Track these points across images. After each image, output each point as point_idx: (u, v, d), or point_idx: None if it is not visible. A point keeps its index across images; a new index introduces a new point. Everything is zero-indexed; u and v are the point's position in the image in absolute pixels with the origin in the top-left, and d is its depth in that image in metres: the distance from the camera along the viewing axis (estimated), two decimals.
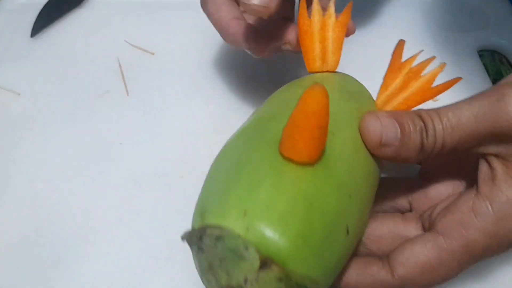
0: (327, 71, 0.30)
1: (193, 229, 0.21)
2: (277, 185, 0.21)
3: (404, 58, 0.29)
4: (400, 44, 0.30)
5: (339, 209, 0.22)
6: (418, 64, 0.29)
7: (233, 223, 0.20)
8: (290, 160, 0.22)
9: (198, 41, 0.43)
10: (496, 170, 0.24)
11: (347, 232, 0.22)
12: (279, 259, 0.20)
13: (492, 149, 0.24)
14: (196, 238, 0.21)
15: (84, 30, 0.45)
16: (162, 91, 0.40)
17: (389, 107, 0.28)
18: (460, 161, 0.27)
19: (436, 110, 0.25)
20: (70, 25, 0.46)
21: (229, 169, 0.22)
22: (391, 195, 0.29)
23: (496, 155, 0.25)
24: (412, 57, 0.29)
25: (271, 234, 0.20)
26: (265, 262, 0.19)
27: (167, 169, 0.35)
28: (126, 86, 0.41)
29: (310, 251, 0.20)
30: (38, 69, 0.43)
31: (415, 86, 0.28)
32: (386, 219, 0.27)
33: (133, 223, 0.33)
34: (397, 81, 0.29)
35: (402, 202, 0.29)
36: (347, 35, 0.31)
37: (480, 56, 0.43)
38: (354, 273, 0.25)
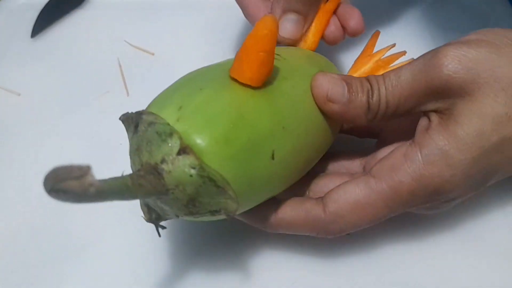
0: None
1: (131, 113, 0.23)
2: (215, 93, 0.23)
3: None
4: (376, 34, 0.33)
5: (268, 133, 0.24)
6: (388, 56, 0.31)
7: (167, 114, 0.22)
8: (235, 80, 0.24)
9: (198, 41, 0.43)
10: (432, 122, 0.26)
11: (272, 157, 0.24)
12: (197, 149, 0.22)
13: (431, 106, 0.26)
14: (133, 122, 0.23)
15: (84, 31, 0.45)
16: (162, 91, 0.40)
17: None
18: (412, 131, 0.28)
19: (383, 74, 0.27)
20: (70, 26, 0.46)
21: (182, 81, 0.25)
22: (346, 161, 0.31)
23: (435, 111, 0.26)
24: (384, 48, 0.32)
25: (196, 128, 0.22)
26: (184, 150, 0.21)
27: None
28: (126, 86, 0.41)
29: (228, 153, 0.22)
30: (38, 70, 0.43)
31: (380, 73, 0.29)
32: (335, 176, 0.29)
33: (134, 223, 0.33)
34: (366, 67, 0.32)
35: (356, 167, 0.30)
36: (355, 34, 0.33)
37: None
38: (289, 209, 0.27)
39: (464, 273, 0.30)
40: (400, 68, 0.26)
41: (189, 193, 0.22)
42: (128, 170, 0.35)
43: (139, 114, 0.23)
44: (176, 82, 0.26)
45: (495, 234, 0.31)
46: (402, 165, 0.25)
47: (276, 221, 0.27)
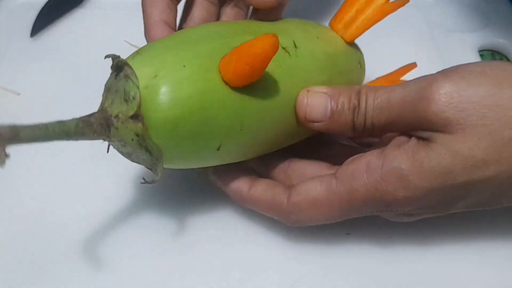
0: (342, 37, 0.32)
1: (119, 59, 0.25)
2: (193, 76, 0.24)
3: None
4: (411, 66, 0.32)
5: (222, 130, 0.25)
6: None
7: (142, 76, 0.24)
8: (219, 72, 0.25)
9: None
10: (407, 142, 0.26)
11: (218, 149, 0.25)
12: (148, 121, 0.24)
13: (413, 132, 0.26)
14: (117, 65, 0.25)
15: (84, 30, 0.45)
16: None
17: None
18: None
19: (375, 88, 0.27)
20: (70, 25, 0.46)
21: (177, 40, 0.26)
22: (336, 152, 0.31)
23: (415, 135, 0.26)
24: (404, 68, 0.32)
25: (156, 103, 0.24)
26: (137, 116, 0.23)
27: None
28: None
29: (172, 135, 0.24)
30: (38, 69, 0.43)
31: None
32: (315, 163, 0.29)
33: (134, 223, 0.33)
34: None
35: (341, 161, 0.30)
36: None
37: (481, 56, 0.43)
38: (260, 188, 0.28)
39: (464, 272, 0.30)
40: (392, 89, 0.26)
41: (127, 149, 0.25)
42: (126, 175, 0.34)
43: (123, 63, 0.25)
44: (178, 36, 0.27)
45: (499, 238, 0.31)
46: (362, 174, 0.26)
47: (247, 195, 0.28)
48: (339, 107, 0.27)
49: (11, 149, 0.22)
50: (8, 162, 0.33)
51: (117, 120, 0.24)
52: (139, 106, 0.23)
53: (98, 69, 0.42)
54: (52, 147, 0.37)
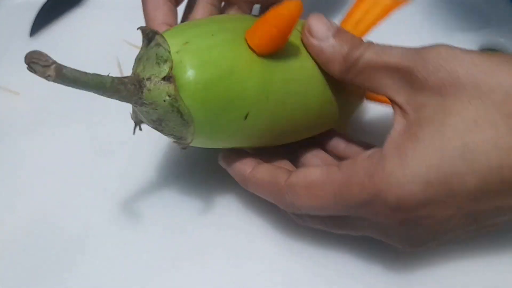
0: None
1: (151, 30, 0.26)
2: (221, 44, 0.26)
3: None
4: None
5: (249, 96, 0.26)
6: None
7: (173, 43, 0.25)
8: (247, 42, 0.26)
9: None
10: (396, 123, 0.25)
11: (245, 118, 0.26)
12: (179, 83, 0.24)
13: (402, 96, 0.25)
14: (148, 36, 0.26)
15: (83, 30, 0.45)
16: None
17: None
18: None
19: (378, 44, 0.27)
20: (69, 25, 0.46)
21: (204, 20, 0.28)
22: (346, 147, 0.32)
23: (400, 106, 0.25)
24: None
25: (188, 65, 0.25)
26: (169, 78, 0.24)
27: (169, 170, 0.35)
28: None
29: (203, 97, 0.25)
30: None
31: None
32: (324, 167, 0.27)
33: (135, 222, 0.33)
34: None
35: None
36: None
37: None
38: (261, 169, 0.28)
39: (463, 271, 0.30)
40: (393, 46, 0.26)
41: (159, 113, 0.25)
42: (126, 175, 0.35)
43: (155, 33, 0.26)
44: (203, 19, 0.29)
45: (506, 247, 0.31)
46: (363, 162, 0.25)
47: (248, 175, 0.29)
48: (342, 38, 0.27)
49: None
50: (10, 163, 0.33)
51: (149, 82, 0.25)
52: (171, 68, 0.24)
53: (98, 69, 0.42)
54: (52, 147, 0.37)
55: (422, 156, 0.23)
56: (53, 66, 0.22)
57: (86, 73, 0.23)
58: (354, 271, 0.30)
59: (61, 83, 0.23)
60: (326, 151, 0.32)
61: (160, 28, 0.30)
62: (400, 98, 0.25)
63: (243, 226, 0.32)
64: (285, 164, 0.31)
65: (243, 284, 0.30)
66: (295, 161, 0.31)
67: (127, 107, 0.40)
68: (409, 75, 0.25)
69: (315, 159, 0.31)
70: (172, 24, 0.31)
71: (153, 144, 0.37)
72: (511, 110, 0.23)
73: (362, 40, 0.27)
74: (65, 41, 0.44)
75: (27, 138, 0.38)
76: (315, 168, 0.27)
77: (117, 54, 0.42)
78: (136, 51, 0.31)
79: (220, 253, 0.31)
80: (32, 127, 0.39)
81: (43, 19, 0.45)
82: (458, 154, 0.23)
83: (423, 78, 0.24)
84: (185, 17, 0.34)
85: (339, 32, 0.28)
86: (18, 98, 0.41)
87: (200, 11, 0.33)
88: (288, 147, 0.31)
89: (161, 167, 0.35)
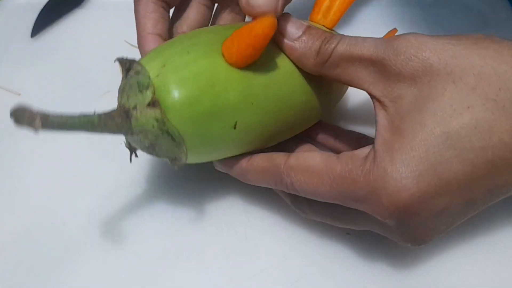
0: (323, 26, 0.32)
1: (128, 59, 0.27)
2: (197, 59, 0.26)
3: None
4: (393, 31, 0.32)
5: (234, 105, 0.26)
6: None
7: (151, 68, 0.26)
8: (222, 55, 0.26)
9: None
10: (379, 117, 0.25)
11: (234, 127, 0.27)
12: (164, 106, 0.25)
13: (379, 89, 0.25)
14: (126, 66, 0.27)
15: (84, 30, 0.45)
16: None
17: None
18: None
19: (351, 36, 0.27)
20: (70, 25, 0.46)
21: (178, 38, 0.28)
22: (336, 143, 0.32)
23: (377, 99, 0.25)
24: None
25: (169, 87, 0.25)
26: (154, 103, 0.25)
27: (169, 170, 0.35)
28: None
29: (189, 114, 0.25)
30: (38, 69, 0.43)
31: None
32: (324, 154, 0.27)
33: (135, 222, 0.33)
34: None
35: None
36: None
37: None
38: (259, 157, 0.29)
39: (464, 272, 0.30)
40: (366, 39, 0.26)
41: (150, 139, 0.26)
42: (127, 174, 0.35)
43: (132, 61, 0.26)
44: (178, 37, 0.29)
45: (504, 247, 0.31)
46: (360, 158, 0.25)
47: (247, 166, 0.29)
48: (312, 34, 0.28)
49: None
50: (11, 163, 0.33)
51: (135, 111, 0.25)
52: (154, 93, 0.25)
53: (98, 69, 0.42)
54: (52, 147, 0.37)
55: (408, 149, 0.23)
56: (38, 118, 0.22)
57: (72, 116, 0.24)
58: (357, 267, 0.30)
59: (49, 130, 0.23)
60: (317, 144, 0.32)
61: (150, 39, 0.31)
62: (376, 91, 0.26)
63: (243, 225, 0.32)
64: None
65: (243, 283, 0.30)
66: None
67: None
68: (383, 66, 0.25)
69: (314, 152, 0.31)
70: (161, 33, 0.31)
71: None
72: (484, 90, 0.23)
73: (333, 34, 0.28)
74: (66, 42, 0.44)
75: (27, 138, 0.38)
76: (315, 153, 0.27)
77: (118, 55, 0.42)
78: (136, 51, 0.32)
79: (219, 252, 0.31)
80: None
81: (44, 20, 0.46)
82: (441, 142, 0.23)
83: (397, 68, 0.24)
84: (177, 15, 0.33)
85: (309, 29, 0.28)
86: (19, 98, 0.41)
87: (193, 10, 0.33)
88: (279, 146, 0.31)
89: (161, 167, 0.35)
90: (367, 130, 0.33)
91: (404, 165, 0.23)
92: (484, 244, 0.31)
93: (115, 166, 0.36)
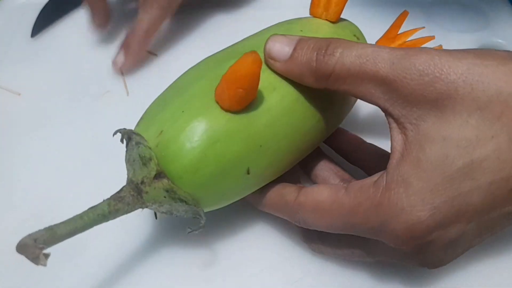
0: (326, 20, 0.31)
1: (125, 130, 0.26)
2: (193, 119, 0.25)
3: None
4: (404, 14, 0.30)
5: (242, 154, 0.25)
6: (414, 40, 0.30)
7: (149, 137, 0.25)
8: (217, 103, 0.25)
9: (199, 41, 0.43)
10: (395, 142, 0.24)
11: (247, 172, 0.26)
12: (170, 175, 0.25)
13: (397, 109, 0.23)
14: (126, 138, 0.26)
15: (84, 30, 0.45)
16: (162, 91, 0.40)
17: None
18: None
19: (351, 43, 0.25)
20: (70, 25, 0.46)
21: (170, 94, 0.27)
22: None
23: (396, 119, 0.24)
24: (410, 31, 0.30)
25: (170, 156, 0.25)
26: (160, 174, 0.25)
27: None
28: (126, 86, 0.41)
29: (197, 180, 0.25)
30: (38, 69, 0.43)
31: None
32: (332, 188, 0.26)
33: (135, 222, 0.33)
34: None
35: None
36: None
37: None
38: (272, 190, 0.28)
39: (466, 276, 0.30)
40: (382, 48, 0.24)
41: (165, 207, 0.26)
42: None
43: (130, 133, 0.26)
44: (168, 88, 0.28)
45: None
46: (369, 189, 0.24)
47: (260, 200, 0.29)
48: (301, 47, 0.26)
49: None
50: (11, 163, 0.33)
51: (144, 185, 0.25)
52: (158, 165, 0.25)
53: (98, 69, 0.42)
54: (53, 147, 0.37)
55: (426, 182, 0.22)
56: (40, 254, 0.23)
57: (81, 217, 0.24)
58: (358, 268, 0.30)
59: (62, 241, 0.23)
60: (336, 149, 0.32)
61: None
62: (394, 110, 0.24)
63: (243, 225, 0.32)
64: (295, 175, 0.30)
65: (243, 283, 0.30)
66: (309, 173, 0.31)
67: (126, 107, 0.40)
68: (402, 86, 0.23)
69: (325, 172, 0.31)
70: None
71: None
72: (509, 119, 0.22)
73: (331, 40, 0.25)
74: (66, 42, 0.44)
75: (28, 138, 0.38)
76: (323, 189, 0.26)
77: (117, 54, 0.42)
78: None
79: (219, 251, 0.31)
80: (32, 127, 0.39)
81: (45, 20, 0.46)
82: (462, 175, 0.22)
83: (419, 90, 0.23)
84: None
85: (300, 42, 0.26)
86: (19, 98, 0.41)
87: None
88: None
89: None
90: (375, 140, 0.32)
91: (419, 199, 0.22)
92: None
93: (115, 166, 0.36)
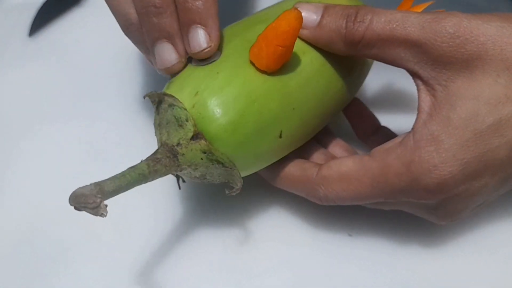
0: None
1: (156, 92, 0.26)
2: (230, 79, 0.25)
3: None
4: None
5: (277, 115, 0.26)
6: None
7: (185, 98, 0.25)
8: (252, 63, 0.25)
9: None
10: (425, 105, 0.25)
11: (280, 136, 0.26)
12: (208, 136, 0.24)
13: (426, 70, 0.25)
14: (156, 100, 0.26)
15: (82, 29, 0.45)
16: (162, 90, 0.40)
17: None
18: None
19: (390, 12, 0.25)
20: (68, 24, 0.45)
21: None
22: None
23: (425, 81, 0.25)
24: (422, 5, 0.31)
25: (209, 116, 0.24)
26: (197, 135, 0.24)
27: None
28: (125, 86, 0.40)
29: (235, 139, 0.25)
30: (36, 69, 0.42)
31: None
32: (355, 157, 0.27)
33: (135, 222, 0.33)
34: None
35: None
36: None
37: None
38: (292, 165, 0.28)
39: (466, 273, 0.30)
40: (410, 13, 0.25)
41: (200, 170, 0.25)
42: (122, 167, 0.34)
43: (161, 94, 0.25)
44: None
45: (506, 244, 0.31)
46: (396, 149, 0.25)
47: (279, 174, 0.29)
48: (329, 14, 0.26)
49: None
50: (9, 163, 0.33)
51: (180, 147, 0.25)
52: (195, 125, 0.24)
53: (97, 68, 0.42)
54: (51, 146, 0.37)
55: (457, 138, 0.23)
56: (102, 203, 0.21)
57: (124, 175, 0.23)
58: (359, 269, 0.30)
59: (108, 198, 0.22)
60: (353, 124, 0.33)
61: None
62: (424, 72, 0.25)
63: (245, 226, 0.32)
64: (318, 150, 0.31)
65: (245, 284, 0.30)
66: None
67: (125, 107, 0.40)
68: (433, 49, 0.24)
69: (338, 150, 0.31)
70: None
71: (147, 145, 0.37)
72: None
73: (358, 8, 0.26)
74: (64, 41, 0.44)
75: (26, 137, 0.38)
76: (347, 159, 0.27)
77: (117, 53, 0.42)
78: (136, 50, 0.31)
79: (221, 252, 0.31)
80: (31, 126, 0.38)
81: (42, 19, 0.45)
82: (492, 131, 0.23)
83: (450, 52, 0.24)
84: None
85: (327, 9, 0.26)
86: (17, 97, 0.40)
87: None
88: (311, 142, 0.31)
89: None
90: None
91: (451, 155, 0.23)
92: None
93: (110, 167, 0.35)
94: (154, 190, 0.33)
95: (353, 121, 0.33)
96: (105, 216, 0.21)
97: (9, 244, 0.32)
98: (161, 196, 0.33)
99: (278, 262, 0.31)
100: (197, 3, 0.25)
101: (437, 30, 0.24)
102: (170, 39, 0.26)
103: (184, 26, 0.25)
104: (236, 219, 0.32)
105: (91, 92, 0.40)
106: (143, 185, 0.30)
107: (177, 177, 0.29)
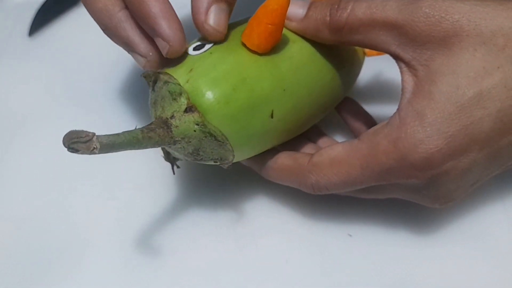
0: None
1: (152, 72, 0.27)
2: (223, 57, 0.26)
3: None
4: None
5: (268, 94, 0.27)
6: None
7: (179, 75, 0.26)
8: (244, 44, 0.27)
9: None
10: (407, 84, 0.26)
11: (271, 116, 0.27)
12: (201, 109, 0.25)
13: (407, 52, 0.25)
14: (152, 79, 0.27)
15: (82, 29, 0.45)
16: None
17: None
18: None
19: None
20: (68, 24, 0.45)
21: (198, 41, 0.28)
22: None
23: (407, 63, 0.26)
24: None
25: (201, 89, 0.25)
26: (190, 108, 0.25)
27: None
28: (125, 85, 0.40)
29: (228, 112, 0.26)
30: (36, 68, 0.42)
31: None
32: (345, 142, 0.28)
33: (134, 223, 0.33)
34: None
35: None
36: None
37: None
38: (282, 156, 0.29)
39: (465, 272, 0.30)
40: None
41: (193, 144, 0.26)
42: (125, 170, 0.34)
43: (157, 73, 0.27)
44: (194, 41, 0.29)
45: (496, 232, 0.31)
46: (383, 130, 0.26)
47: (270, 165, 0.29)
48: (318, 6, 0.28)
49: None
50: (10, 163, 0.33)
51: (174, 119, 0.25)
52: (188, 98, 0.25)
53: (97, 68, 0.42)
54: (50, 146, 0.37)
55: (440, 112, 0.24)
56: (94, 137, 0.22)
57: (118, 134, 0.24)
58: (359, 269, 0.30)
59: (100, 152, 0.23)
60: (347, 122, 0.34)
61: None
62: (405, 54, 0.26)
63: (244, 227, 0.32)
64: (309, 147, 0.32)
65: (244, 284, 0.30)
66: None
67: (124, 106, 0.40)
68: (411, 29, 0.25)
69: (327, 144, 0.32)
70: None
71: None
72: None
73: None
74: (64, 41, 0.44)
75: (26, 137, 0.38)
76: (336, 145, 0.27)
77: (117, 53, 0.42)
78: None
79: (219, 253, 0.31)
80: (30, 126, 0.38)
81: (42, 19, 0.45)
82: (473, 103, 0.24)
83: (426, 31, 0.25)
84: None
85: (313, 3, 0.28)
86: (17, 97, 0.40)
87: None
88: (301, 139, 0.32)
89: (157, 162, 0.35)
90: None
91: (436, 129, 0.24)
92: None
93: (108, 166, 0.36)
94: (151, 185, 0.34)
95: (348, 120, 0.34)
96: (97, 153, 0.22)
97: (7, 244, 0.32)
98: (161, 190, 0.33)
99: (278, 261, 0.31)
100: (148, 9, 0.26)
101: (414, 10, 0.25)
102: (133, 50, 0.28)
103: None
104: (234, 217, 0.32)
105: (91, 92, 0.40)
106: (141, 181, 0.30)
107: (172, 162, 0.30)
